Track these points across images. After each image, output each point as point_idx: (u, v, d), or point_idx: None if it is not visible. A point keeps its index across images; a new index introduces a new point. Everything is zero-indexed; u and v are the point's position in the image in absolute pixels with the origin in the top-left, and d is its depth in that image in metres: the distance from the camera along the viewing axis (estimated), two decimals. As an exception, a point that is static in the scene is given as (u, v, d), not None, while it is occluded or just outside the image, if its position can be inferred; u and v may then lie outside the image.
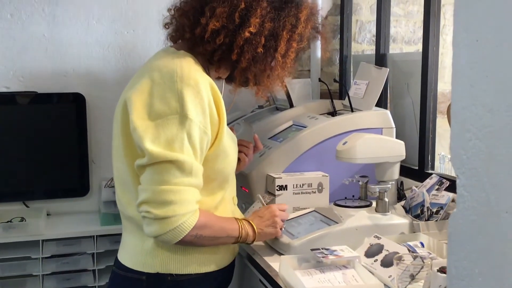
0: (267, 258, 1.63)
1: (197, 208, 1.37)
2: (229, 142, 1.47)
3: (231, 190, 1.57)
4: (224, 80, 1.58)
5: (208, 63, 1.47)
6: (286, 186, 1.86)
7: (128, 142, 1.38)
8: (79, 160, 2.57)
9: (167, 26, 1.53)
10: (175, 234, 1.33)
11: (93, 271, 2.40)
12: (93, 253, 2.38)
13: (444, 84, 2.56)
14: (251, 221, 1.53)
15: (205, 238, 1.40)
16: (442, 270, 1.28)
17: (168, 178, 1.31)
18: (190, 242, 1.39)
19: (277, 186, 1.86)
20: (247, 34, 1.39)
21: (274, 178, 1.87)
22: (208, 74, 1.46)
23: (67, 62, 2.57)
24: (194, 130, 1.33)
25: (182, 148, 1.32)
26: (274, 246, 1.69)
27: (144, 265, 1.44)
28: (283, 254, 1.60)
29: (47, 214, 2.53)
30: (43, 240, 2.33)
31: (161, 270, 1.43)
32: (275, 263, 1.57)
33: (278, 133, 2.13)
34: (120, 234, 2.41)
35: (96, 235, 2.39)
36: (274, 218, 1.59)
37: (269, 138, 2.10)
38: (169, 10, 1.52)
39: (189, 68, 1.36)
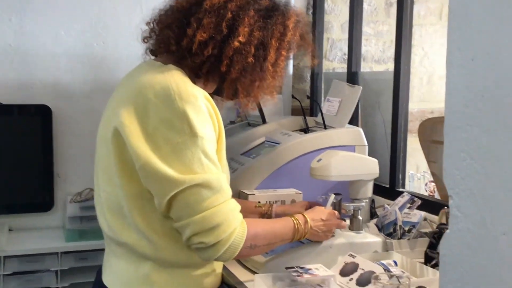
0: (239, 277, 1.60)
1: (241, 216, 1.34)
2: (225, 155, 1.43)
3: None
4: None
5: (195, 77, 1.41)
6: (259, 202, 1.83)
7: (125, 168, 1.32)
8: (44, 174, 2.49)
9: (146, 40, 1.48)
10: (231, 251, 1.30)
11: (57, 289, 2.32)
12: (57, 270, 2.30)
13: (412, 103, 2.59)
14: (309, 221, 1.52)
15: (260, 247, 1.38)
16: (419, 289, 1.28)
17: (202, 203, 1.27)
18: (248, 255, 1.39)
19: (250, 203, 1.83)
20: (236, 43, 1.34)
21: (247, 194, 1.85)
22: None
23: (33, 74, 2.51)
24: (208, 146, 1.29)
25: (203, 168, 1.27)
26: (247, 264, 1.67)
27: None
28: (256, 273, 1.58)
29: (9, 230, 2.44)
30: (4, 257, 2.24)
31: None
32: (249, 283, 1.54)
33: (251, 149, 2.11)
34: (86, 251, 2.38)
35: (61, 252, 2.31)
36: (332, 226, 1.61)
37: (241, 154, 2.08)
38: (148, 23, 1.46)
39: (184, 83, 1.30)
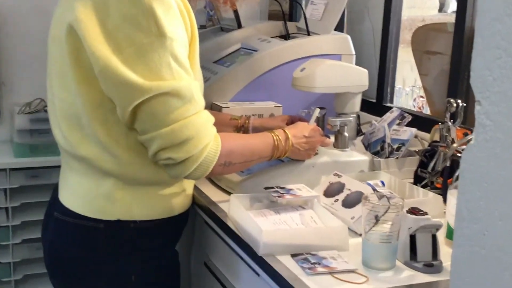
0: (212, 197, 1.57)
1: (215, 130, 1.29)
2: (198, 61, 1.36)
3: None
4: None
5: None
6: (234, 116, 1.80)
7: (82, 72, 1.25)
8: (-13, 81, 2.39)
9: None
10: (203, 168, 1.27)
11: (6, 208, 2.27)
12: (6, 188, 2.25)
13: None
14: (290, 137, 1.47)
15: (235, 165, 1.35)
16: (412, 211, 1.26)
17: (170, 114, 1.21)
18: (221, 173, 1.38)
19: (224, 116, 1.78)
20: None
21: (221, 107, 1.80)
22: None
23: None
24: (178, 49, 1.22)
25: (172, 73, 1.20)
26: (221, 184, 1.63)
27: (102, 211, 1.34)
28: (231, 193, 1.54)
29: (-51, 144, 2.36)
30: None
31: (122, 217, 1.34)
32: (223, 204, 1.51)
33: (225, 56, 2.05)
34: (38, 168, 2.31)
35: (9, 168, 2.25)
36: (316, 144, 1.56)
37: (214, 62, 2.02)
38: None
39: None
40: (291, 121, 1.70)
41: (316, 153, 1.62)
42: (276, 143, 1.44)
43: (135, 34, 1.18)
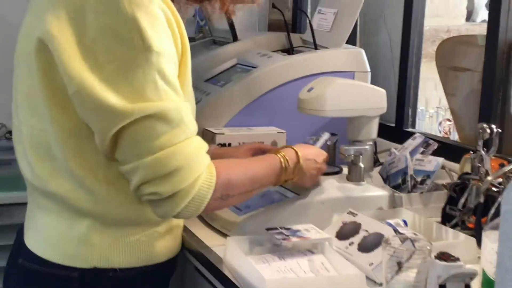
0: (205, 240, 1.58)
1: (209, 159, 1.30)
2: (190, 80, 1.38)
3: None
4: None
5: None
6: (229, 145, 1.82)
7: (55, 95, 1.26)
8: None
9: None
10: (195, 205, 1.27)
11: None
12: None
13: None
14: (301, 160, 1.48)
15: (235, 197, 1.36)
16: (441, 257, 1.27)
17: (155, 141, 1.22)
18: (218, 207, 1.39)
19: (218, 144, 1.80)
20: None
21: (214, 134, 1.82)
22: None
23: None
24: (166, 65, 1.23)
25: (158, 93, 1.22)
26: (215, 224, 1.64)
27: (75, 258, 1.34)
28: (227, 235, 1.55)
29: None
30: None
31: (99, 264, 1.34)
32: (218, 248, 1.51)
33: (218, 74, 2.08)
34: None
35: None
36: (322, 167, 1.58)
37: (205, 81, 2.05)
38: None
39: None
40: (256, 151, 1.68)
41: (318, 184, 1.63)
42: (283, 165, 1.46)
43: (116, 49, 1.20)
